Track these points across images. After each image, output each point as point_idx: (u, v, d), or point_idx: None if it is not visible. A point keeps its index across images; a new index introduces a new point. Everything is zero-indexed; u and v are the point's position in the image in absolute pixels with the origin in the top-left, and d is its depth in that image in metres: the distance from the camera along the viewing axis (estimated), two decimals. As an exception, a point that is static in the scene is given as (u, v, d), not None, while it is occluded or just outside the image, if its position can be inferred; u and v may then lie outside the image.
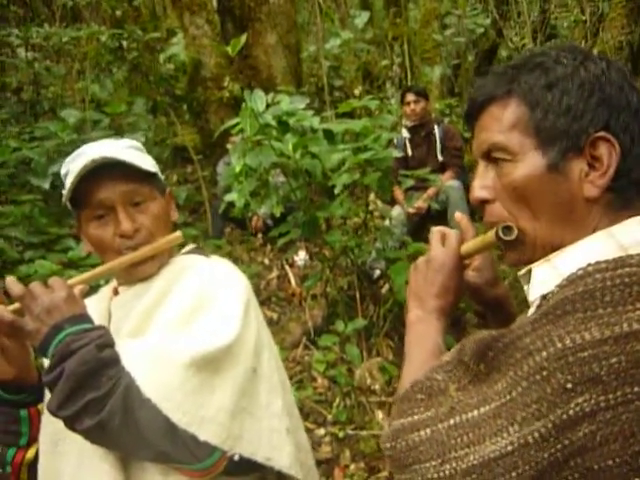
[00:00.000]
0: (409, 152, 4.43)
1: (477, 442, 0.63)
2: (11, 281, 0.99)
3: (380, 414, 2.94)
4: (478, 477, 0.62)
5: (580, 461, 0.58)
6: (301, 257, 4.19)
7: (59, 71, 6.01)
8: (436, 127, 4.43)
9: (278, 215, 3.16)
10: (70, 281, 1.05)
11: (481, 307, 0.99)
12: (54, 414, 0.92)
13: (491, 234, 0.79)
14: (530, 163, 0.73)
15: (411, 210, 4.10)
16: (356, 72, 6.61)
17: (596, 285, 0.63)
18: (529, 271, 0.76)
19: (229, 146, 4.35)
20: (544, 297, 0.70)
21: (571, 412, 0.58)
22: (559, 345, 0.60)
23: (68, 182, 1.07)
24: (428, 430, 0.68)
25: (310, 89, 5.92)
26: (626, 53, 4.58)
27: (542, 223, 0.74)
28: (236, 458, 0.93)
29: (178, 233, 1.12)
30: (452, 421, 0.66)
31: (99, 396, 0.89)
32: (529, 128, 0.74)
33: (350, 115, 4.35)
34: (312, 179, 3.10)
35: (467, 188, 3.98)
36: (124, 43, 5.56)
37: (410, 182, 3.65)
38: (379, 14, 7.81)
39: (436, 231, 0.92)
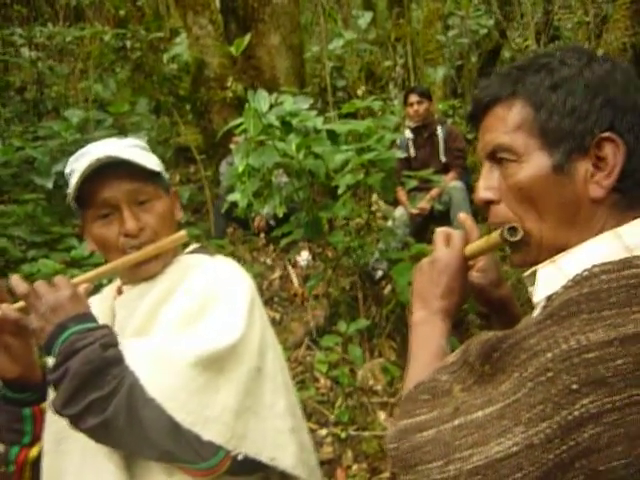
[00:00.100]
0: (412, 153, 4.43)
1: (482, 443, 0.62)
2: (16, 280, 0.99)
3: (382, 415, 2.93)
4: (483, 478, 0.61)
5: (585, 462, 0.58)
6: (304, 257, 4.19)
7: (62, 71, 6.03)
8: (439, 128, 4.43)
9: (281, 215, 3.15)
10: (74, 280, 1.05)
11: (485, 308, 0.98)
12: (58, 413, 0.92)
13: (496, 235, 0.79)
14: (535, 164, 0.73)
15: (414, 211, 4.10)
16: (359, 73, 6.60)
17: (602, 286, 0.63)
18: (534, 272, 0.75)
19: (232, 146, 4.34)
20: (549, 298, 0.70)
21: (576, 413, 0.58)
22: (564, 346, 0.60)
23: (73, 181, 1.07)
24: (432, 431, 0.68)
25: (313, 89, 5.92)
26: (630, 55, 4.57)
27: (547, 224, 0.74)
28: (240, 458, 0.93)
29: (183, 232, 1.12)
30: (457, 422, 0.66)
31: (103, 395, 0.89)
32: (534, 129, 0.74)
33: (353, 116, 4.35)
34: (315, 179, 3.09)
35: (470, 189, 3.98)
36: (127, 43, 5.57)
37: (413, 183, 3.66)
38: (382, 15, 7.79)
39: (440, 232, 0.92)
